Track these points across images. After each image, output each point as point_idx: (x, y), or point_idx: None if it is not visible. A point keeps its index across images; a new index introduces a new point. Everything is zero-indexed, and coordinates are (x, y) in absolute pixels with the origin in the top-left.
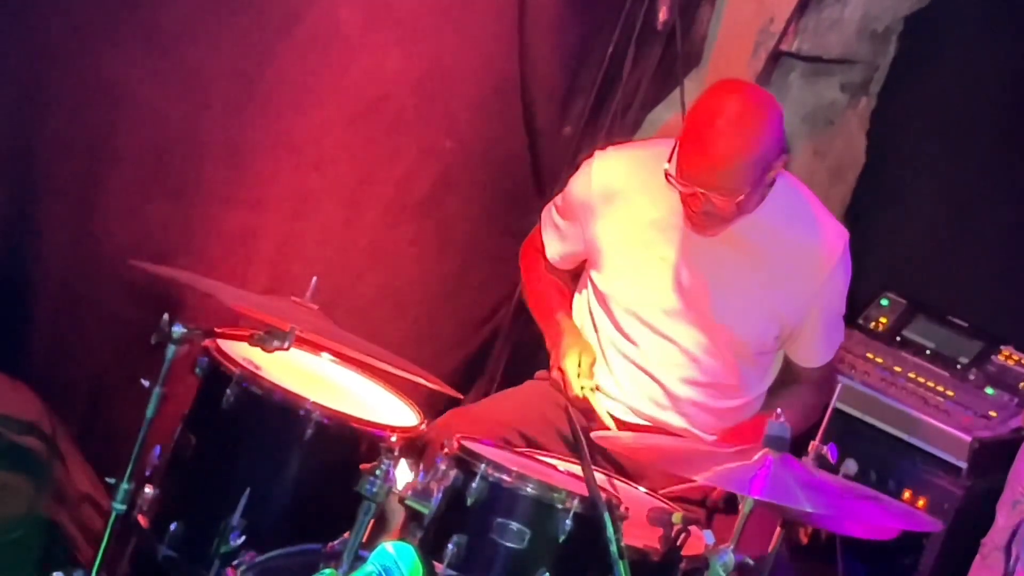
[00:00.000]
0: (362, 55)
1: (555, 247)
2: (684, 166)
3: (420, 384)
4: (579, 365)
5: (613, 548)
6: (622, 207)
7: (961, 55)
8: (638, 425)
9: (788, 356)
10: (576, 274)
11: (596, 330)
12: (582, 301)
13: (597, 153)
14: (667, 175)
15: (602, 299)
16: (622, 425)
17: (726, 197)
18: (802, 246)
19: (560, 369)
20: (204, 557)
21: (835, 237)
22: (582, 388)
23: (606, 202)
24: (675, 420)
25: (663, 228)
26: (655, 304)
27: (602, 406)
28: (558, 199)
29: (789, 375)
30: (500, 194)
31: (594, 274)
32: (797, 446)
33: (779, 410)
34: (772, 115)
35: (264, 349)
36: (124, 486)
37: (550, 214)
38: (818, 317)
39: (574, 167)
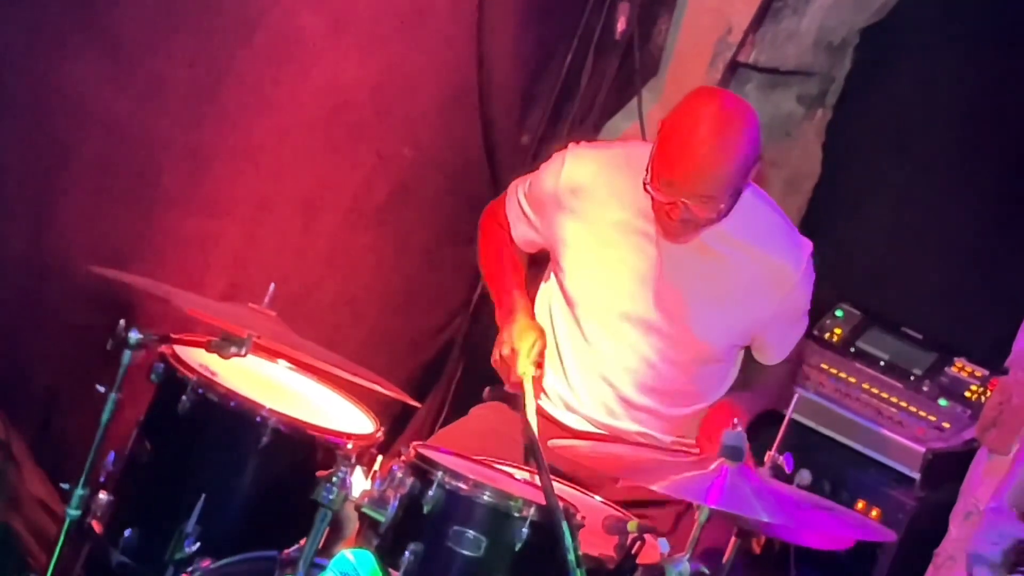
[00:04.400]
0: (321, 62)
1: (519, 229)
2: (664, 175)
3: (377, 391)
4: (531, 349)
5: (570, 557)
6: (588, 205)
7: (917, 68)
8: (594, 434)
9: (752, 353)
10: (536, 258)
11: (554, 327)
12: (544, 295)
13: (571, 147)
14: (645, 186)
15: (564, 296)
16: (577, 434)
17: (707, 204)
18: (767, 257)
19: (513, 349)
20: (158, 563)
21: (799, 248)
22: (524, 372)
23: (572, 197)
24: (629, 426)
25: (628, 231)
26: (614, 307)
27: (532, 397)
28: (526, 183)
29: (752, 370)
30: (458, 202)
31: (557, 270)
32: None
33: (736, 420)
34: (751, 121)
35: (221, 355)
36: (78, 492)
37: (516, 195)
38: (781, 324)
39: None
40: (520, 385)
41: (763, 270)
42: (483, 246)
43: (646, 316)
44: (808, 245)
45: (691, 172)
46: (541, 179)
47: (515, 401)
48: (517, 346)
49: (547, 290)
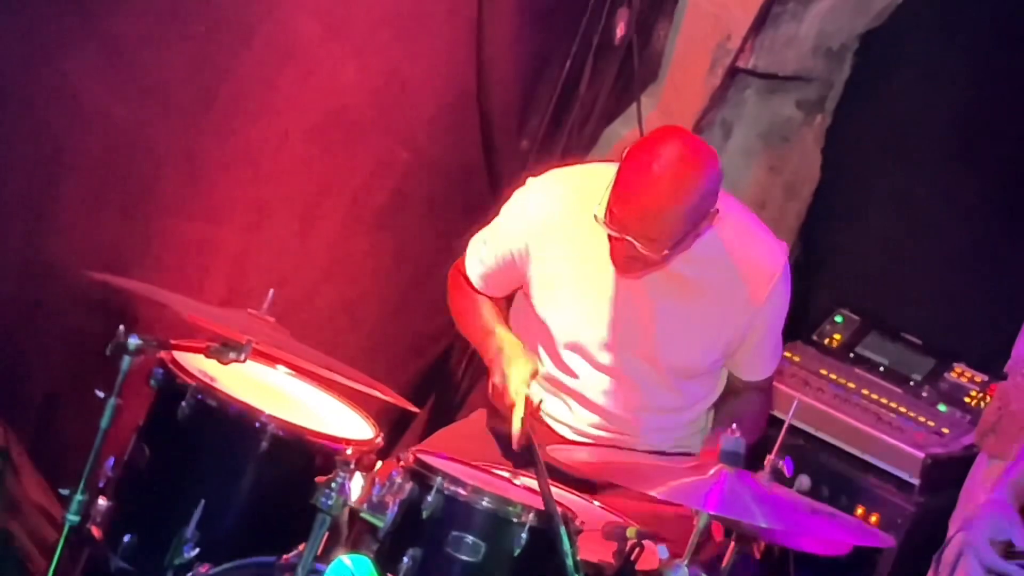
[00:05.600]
0: (319, 67)
1: (483, 283)
2: (614, 210)
3: (376, 397)
4: (522, 370)
5: (569, 562)
6: (557, 240)
7: (916, 73)
8: (589, 444)
9: (730, 371)
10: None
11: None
12: (521, 326)
13: (530, 182)
14: (596, 217)
15: (544, 333)
16: (572, 442)
17: (650, 246)
18: (741, 269)
19: (503, 374)
20: (157, 569)
21: (774, 254)
22: (516, 393)
23: (540, 236)
24: (623, 440)
25: (600, 261)
26: (593, 337)
27: (519, 417)
28: (487, 232)
29: (732, 386)
30: (456, 207)
31: (531, 304)
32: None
33: (734, 425)
34: (709, 170)
35: (220, 361)
36: (78, 497)
37: (478, 253)
38: (762, 334)
39: None
40: (511, 409)
41: (737, 281)
42: (453, 302)
43: (622, 342)
44: (783, 249)
45: (637, 213)
46: (505, 224)
47: (527, 455)
48: (507, 371)
49: (522, 319)
